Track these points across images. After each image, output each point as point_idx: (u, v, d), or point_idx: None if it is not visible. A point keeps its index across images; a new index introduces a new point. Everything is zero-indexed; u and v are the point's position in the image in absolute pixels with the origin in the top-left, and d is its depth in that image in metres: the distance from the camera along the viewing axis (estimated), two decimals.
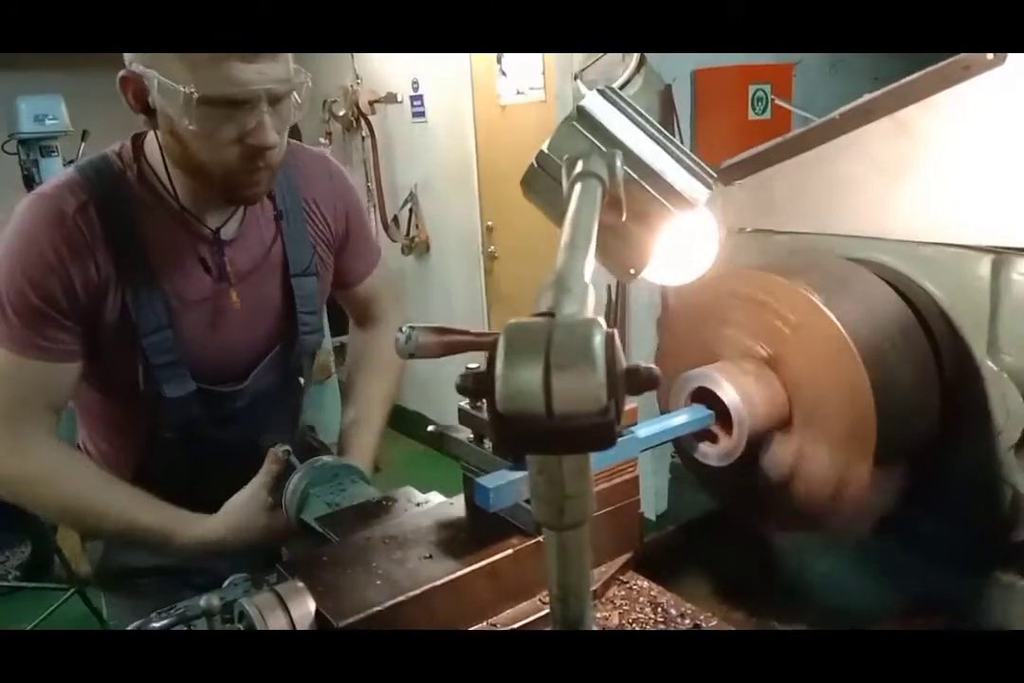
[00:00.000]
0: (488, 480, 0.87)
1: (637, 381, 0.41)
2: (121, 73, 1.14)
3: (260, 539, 1.29)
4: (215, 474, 1.30)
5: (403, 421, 5.12)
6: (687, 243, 0.80)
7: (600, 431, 0.40)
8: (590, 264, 0.51)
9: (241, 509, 1.29)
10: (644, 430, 0.95)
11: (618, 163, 0.69)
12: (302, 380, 1.53)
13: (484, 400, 0.42)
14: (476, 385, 0.42)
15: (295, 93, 1.16)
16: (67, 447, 1.32)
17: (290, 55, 1.14)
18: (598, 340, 0.40)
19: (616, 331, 0.41)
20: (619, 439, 0.89)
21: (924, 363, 0.98)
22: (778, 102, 2.80)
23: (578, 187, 0.63)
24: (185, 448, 1.37)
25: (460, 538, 0.98)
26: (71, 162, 3.91)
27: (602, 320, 0.41)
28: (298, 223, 1.40)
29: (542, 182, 0.77)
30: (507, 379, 0.40)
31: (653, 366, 0.41)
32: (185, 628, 0.96)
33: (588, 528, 0.45)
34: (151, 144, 1.26)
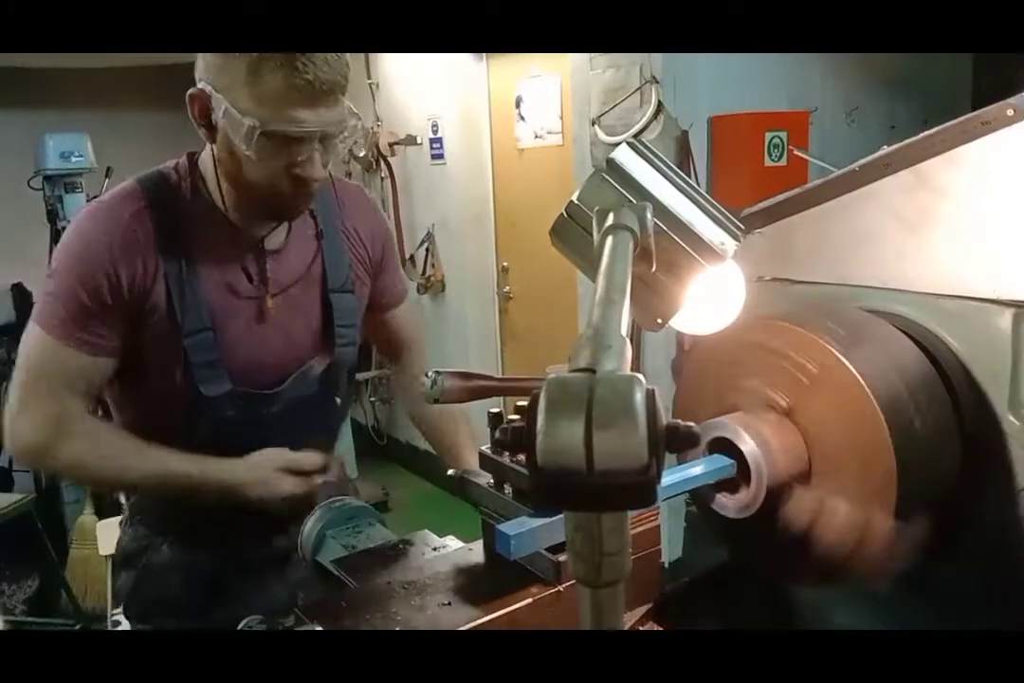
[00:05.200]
0: (509, 527, 0.86)
1: (677, 439, 0.42)
2: (190, 91, 1.22)
3: (277, 493, 1.34)
4: None
5: (416, 461, 5.12)
6: (715, 294, 0.81)
7: (640, 489, 0.40)
8: (626, 318, 0.51)
9: (262, 457, 1.36)
10: (666, 479, 0.95)
11: (648, 216, 0.70)
12: (338, 399, 1.56)
13: (524, 454, 0.42)
14: (516, 439, 0.43)
15: (348, 132, 1.26)
16: (98, 419, 1.41)
17: (346, 97, 1.22)
18: (639, 398, 0.40)
19: (656, 389, 0.41)
20: None
21: (944, 417, 0.97)
22: (796, 152, 2.83)
23: (610, 240, 0.64)
24: (218, 450, 1.39)
25: (479, 585, 0.98)
26: (95, 198, 4.00)
27: (642, 377, 0.42)
28: (336, 243, 1.48)
29: (572, 232, 0.77)
30: (548, 435, 0.41)
31: (693, 424, 0.42)
32: None
33: (623, 586, 0.45)
34: (205, 161, 1.35)
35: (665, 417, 0.42)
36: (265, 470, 1.35)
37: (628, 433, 0.40)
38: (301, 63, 1.13)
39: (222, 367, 1.36)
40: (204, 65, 1.21)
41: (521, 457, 0.89)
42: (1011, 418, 0.97)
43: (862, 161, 1.10)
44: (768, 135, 3.02)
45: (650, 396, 0.41)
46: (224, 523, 1.39)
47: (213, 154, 1.30)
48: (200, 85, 1.21)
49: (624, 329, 0.50)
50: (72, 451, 1.35)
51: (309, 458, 1.39)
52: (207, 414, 1.38)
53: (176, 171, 1.37)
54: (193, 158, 1.38)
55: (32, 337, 1.32)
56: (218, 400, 1.37)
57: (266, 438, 1.42)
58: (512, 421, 0.53)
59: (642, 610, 1.06)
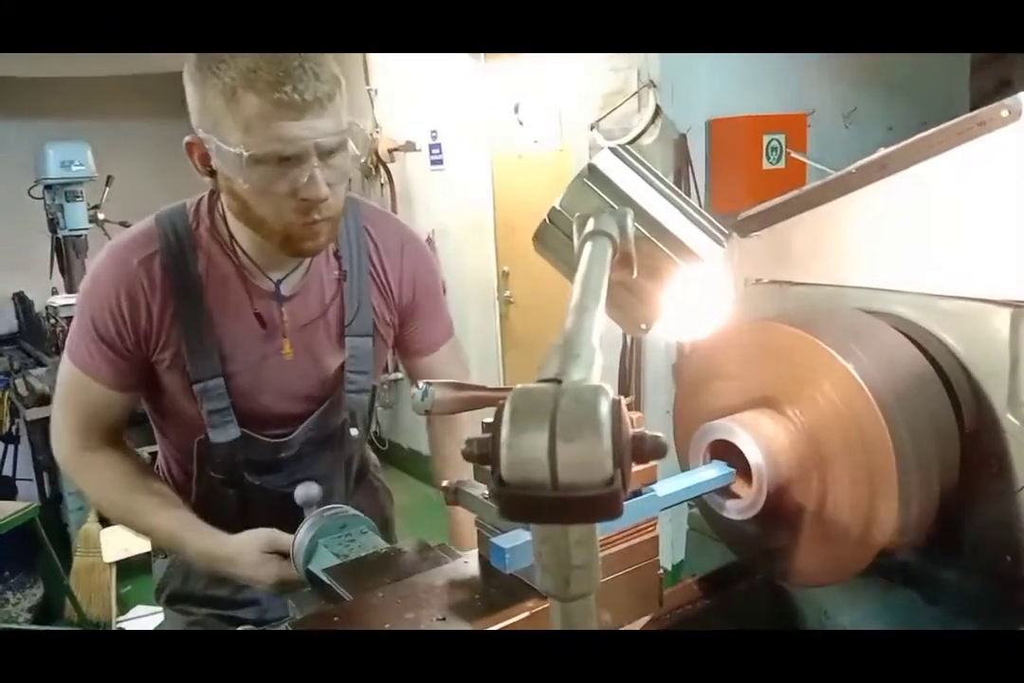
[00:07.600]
0: (504, 540, 0.85)
1: (642, 450, 0.41)
2: (187, 139, 1.20)
3: (257, 578, 1.31)
4: (258, 519, 1.35)
5: (418, 467, 5.11)
6: (699, 300, 0.80)
7: (605, 502, 0.39)
8: (599, 327, 0.50)
9: (245, 540, 1.33)
10: (664, 489, 0.94)
11: (629, 221, 0.69)
12: (355, 432, 1.51)
13: (489, 467, 0.41)
14: (481, 451, 0.42)
15: (351, 143, 1.20)
16: (120, 453, 1.42)
17: (343, 108, 1.16)
18: (604, 409, 0.39)
19: (623, 398, 0.40)
20: (639, 498, 0.88)
21: (943, 416, 0.96)
22: (794, 155, 2.83)
23: (588, 247, 0.63)
24: (229, 490, 1.43)
25: (474, 599, 0.96)
26: (95, 207, 4.02)
27: (609, 387, 0.41)
28: (362, 286, 1.42)
29: (554, 238, 0.77)
30: (512, 447, 0.40)
31: (659, 434, 0.41)
32: None
33: (594, 599, 0.44)
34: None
35: (632, 427, 0.41)
36: (253, 554, 1.30)
37: (592, 445, 0.39)
38: (276, 76, 1.08)
39: (231, 414, 1.36)
40: (191, 113, 1.18)
41: None
42: (1010, 417, 0.97)
43: (859, 163, 1.09)
44: (766, 138, 3.02)
45: (615, 406, 0.40)
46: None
47: (220, 199, 1.30)
48: (196, 132, 1.18)
49: (596, 338, 0.48)
50: (90, 482, 1.43)
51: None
52: (218, 456, 1.39)
53: (196, 210, 1.35)
54: (214, 196, 1.35)
55: (63, 362, 1.39)
56: (227, 446, 1.38)
57: (277, 481, 1.43)
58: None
59: (642, 622, 1.04)
